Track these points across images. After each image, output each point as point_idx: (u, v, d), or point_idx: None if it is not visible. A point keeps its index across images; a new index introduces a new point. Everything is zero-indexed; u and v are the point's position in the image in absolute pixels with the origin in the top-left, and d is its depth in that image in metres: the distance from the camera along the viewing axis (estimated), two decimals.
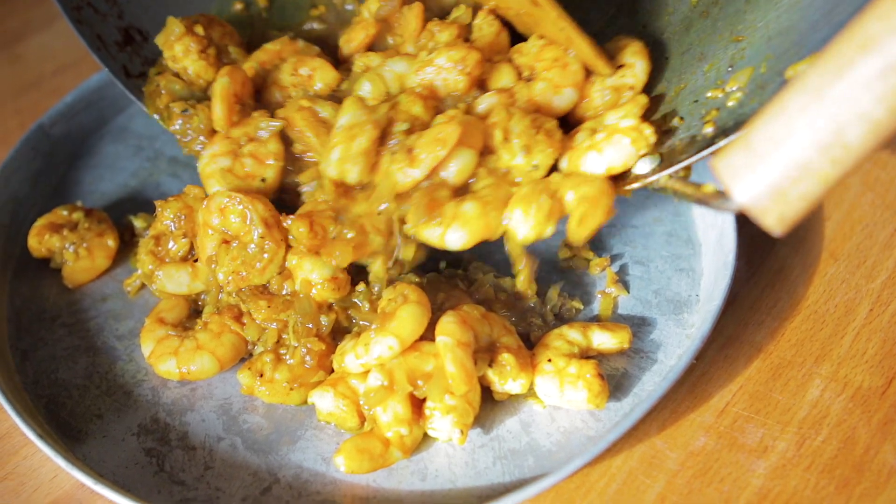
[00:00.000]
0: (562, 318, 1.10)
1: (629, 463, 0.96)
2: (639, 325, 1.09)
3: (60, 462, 0.95)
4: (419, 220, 0.99)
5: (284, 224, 1.04)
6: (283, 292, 1.05)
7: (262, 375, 1.02)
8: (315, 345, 1.02)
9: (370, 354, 0.96)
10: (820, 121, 0.74)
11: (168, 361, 1.06)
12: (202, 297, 1.13)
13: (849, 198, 1.24)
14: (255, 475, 0.98)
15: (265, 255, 1.04)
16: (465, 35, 1.11)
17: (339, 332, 1.05)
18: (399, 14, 1.16)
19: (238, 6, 1.29)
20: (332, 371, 1.03)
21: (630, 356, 1.06)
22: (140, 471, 0.99)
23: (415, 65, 1.07)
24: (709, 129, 0.96)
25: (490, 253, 1.16)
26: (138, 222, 1.24)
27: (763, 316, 1.10)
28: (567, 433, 0.99)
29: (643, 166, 1.00)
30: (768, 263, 1.16)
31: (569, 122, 1.08)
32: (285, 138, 1.09)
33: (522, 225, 0.99)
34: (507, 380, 0.98)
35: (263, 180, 1.08)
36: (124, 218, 1.27)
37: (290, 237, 1.03)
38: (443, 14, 1.16)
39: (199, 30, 1.17)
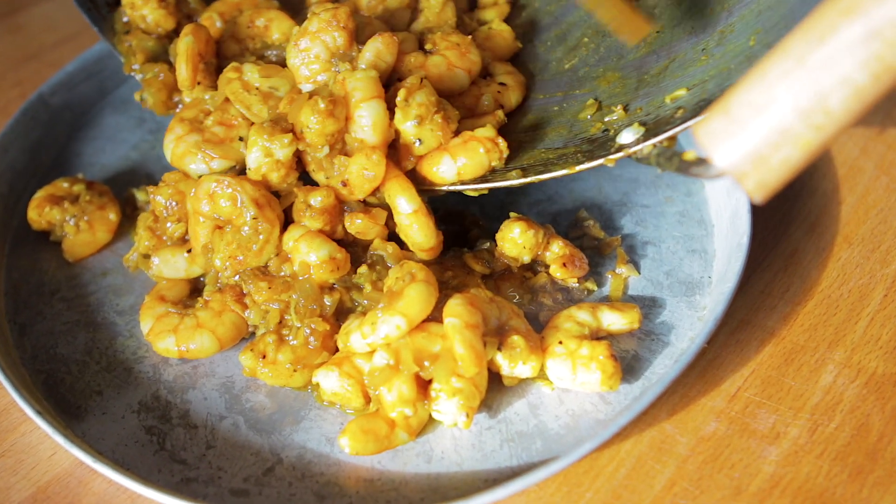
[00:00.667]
0: (571, 299, 1.08)
1: (639, 447, 0.95)
2: (650, 307, 1.07)
3: (59, 439, 0.93)
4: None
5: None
6: (283, 274, 1.03)
7: (264, 357, 1.00)
8: (319, 325, 1.00)
9: (377, 334, 0.94)
10: (801, 86, 0.74)
11: (167, 339, 1.04)
12: (201, 277, 1.11)
13: (863, 181, 1.22)
14: (257, 455, 0.96)
15: (260, 237, 1.02)
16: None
17: (342, 313, 1.03)
18: None
19: None
20: (337, 352, 1.01)
21: (640, 338, 1.04)
22: (140, 449, 0.97)
23: (291, 47, 1.07)
24: (695, 100, 0.95)
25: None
26: (141, 195, 1.23)
27: (775, 300, 1.08)
28: (576, 416, 0.97)
29: (627, 136, 0.99)
30: (781, 247, 1.14)
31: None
32: None
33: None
34: (517, 363, 0.96)
35: (241, 139, 1.08)
36: (125, 191, 1.26)
37: None
38: None
39: None
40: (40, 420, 0.94)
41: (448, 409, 0.93)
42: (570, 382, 0.98)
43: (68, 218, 1.18)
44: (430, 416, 0.96)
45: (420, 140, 1.03)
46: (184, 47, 1.10)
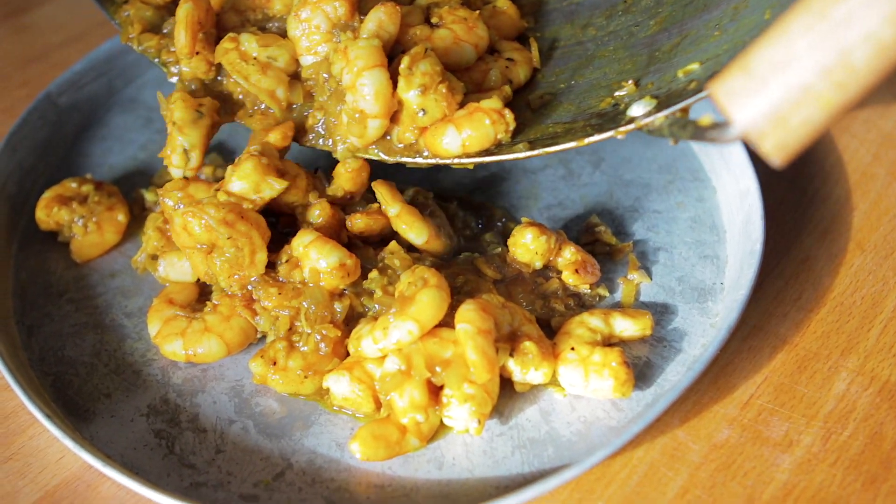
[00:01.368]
0: (583, 305, 1.08)
1: (651, 454, 0.94)
2: (662, 313, 1.07)
3: (68, 443, 0.92)
4: None
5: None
6: (292, 281, 1.03)
7: (275, 363, 0.99)
8: (330, 331, 1.00)
9: (388, 339, 0.94)
10: (823, 42, 0.71)
11: (174, 342, 1.03)
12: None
13: (875, 188, 1.21)
14: (267, 460, 0.95)
15: (244, 250, 1.01)
16: None
17: (353, 318, 1.03)
18: None
19: None
20: (347, 357, 1.00)
21: (653, 345, 1.03)
22: (149, 453, 0.96)
23: (292, 18, 1.06)
24: (708, 73, 0.94)
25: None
26: (150, 195, 1.22)
27: (788, 307, 1.08)
28: (588, 423, 0.96)
29: (638, 109, 0.97)
30: (793, 253, 1.14)
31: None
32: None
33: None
34: (529, 369, 0.95)
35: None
36: (133, 192, 1.25)
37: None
38: None
39: None
40: (49, 423, 0.94)
41: (460, 415, 0.93)
42: (583, 389, 0.97)
43: (77, 219, 1.17)
44: (442, 421, 0.95)
45: (424, 110, 1.01)
46: (183, 14, 1.07)
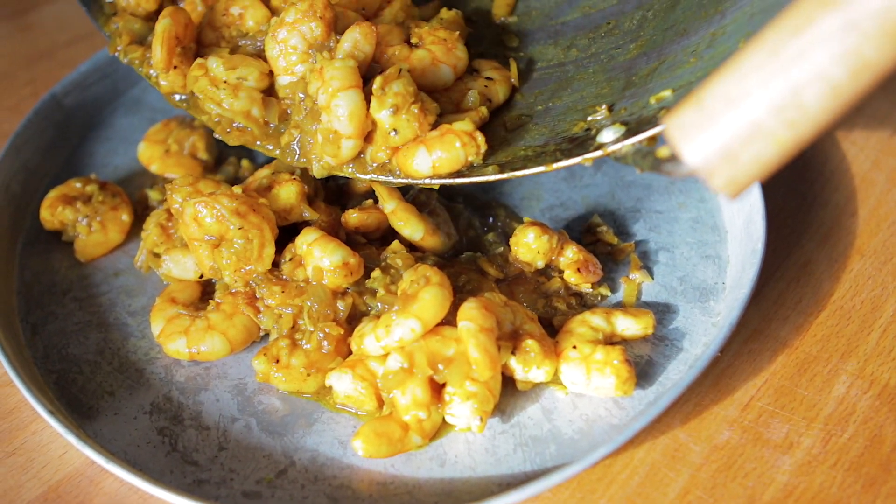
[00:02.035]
0: (585, 304, 1.08)
1: (652, 455, 0.94)
2: (663, 313, 1.07)
3: (71, 439, 0.93)
4: None
5: None
6: (296, 279, 1.03)
7: (277, 361, 1.00)
8: (333, 329, 1.00)
9: (391, 336, 0.94)
10: (775, 80, 0.71)
11: (178, 341, 1.04)
12: (213, 279, 1.11)
13: (875, 193, 1.22)
14: (269, 457, 0.96)
15: (254, 242, 1.02)
16: None
17: (355, 318, 1.03)
18: None
19: None
20: (350, 356, 1.00)
21: (654, 343, 1.04)
22: (152, 450, 0.97)
23: (269, 39, 1.06)
24: (678, 100, 0.94)
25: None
26: (154, 194, 1.22)
27: (788, 311, 1.08)
28: (590, 421, 0.97)
29: (607, 135, 0.97)
30: (793, 257, 1.14)
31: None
32: None
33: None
34: (531, 367, 0.96)
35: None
36: (137, 193, 1.25)
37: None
38: None
39: None
40: (52, 419, 0.94)
41: (462, 412, 0.93)
42: (585, 387, 0.97)
43: (81, 218, 1.18)
44: (444, 419, 0.96)
45: (396, 130, 1.01)
46: (160, 29, 1.07)
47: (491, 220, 1.19)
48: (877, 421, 0.96)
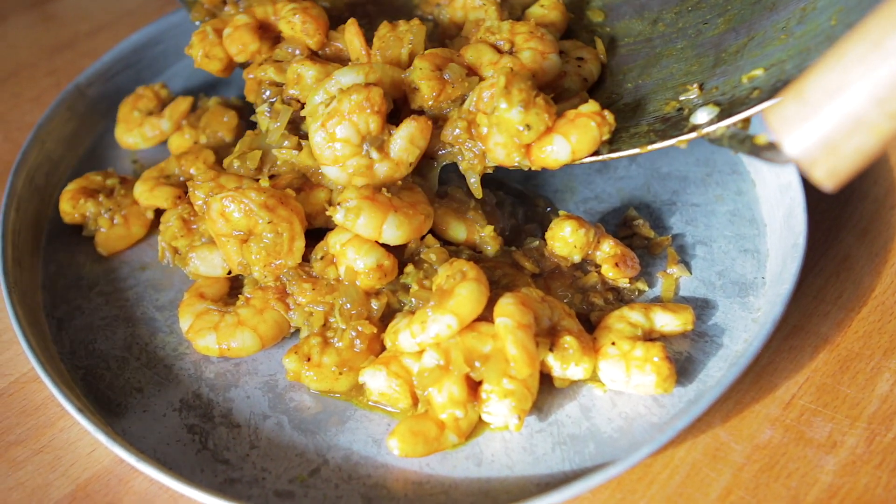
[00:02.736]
0: (622, 299, 1.06)
1: (693, 454, 0.92)
2: (702, 308, 1.05)
3: (100, 437, 0.91)
4: None
5: None
6: (327, 278, 1.01)
7: (309, 359, 0.98)
8: (366, 328, 0.98)
9: (427, 333, 0.92)
10: (878, 72, 0.71)
11: (207, 336, 1.02)
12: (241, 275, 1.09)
13: None
14: (302, 456, 0.94)
15: (283, 236, 1.00)
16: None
17: (388, 315, 1.01)
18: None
19: None
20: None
21: (694, 340, 1.02)
22: (182, 448, 0.95)
23: (317, 118, 1.02)
24: (771, 81, 0.93)
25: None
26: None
27: (829, 306, 1.06)
28: (629, 419, 0.95)
29: (701, 116, 0.97)
30: (832, 252, 1.12)
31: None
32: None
33: None
34: (569, 364, 0.94)
35: None
36: None
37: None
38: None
39: None
40: (81, 417, 0.93)
41: (499, 410, 0.91)
42: (624, 384, 0.95)
43: (103, 211, 1.16)
44: (480, 418, 0.94)
45: (528, 126, 0.98)
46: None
47: (527, 211, 1.17)
48: None
